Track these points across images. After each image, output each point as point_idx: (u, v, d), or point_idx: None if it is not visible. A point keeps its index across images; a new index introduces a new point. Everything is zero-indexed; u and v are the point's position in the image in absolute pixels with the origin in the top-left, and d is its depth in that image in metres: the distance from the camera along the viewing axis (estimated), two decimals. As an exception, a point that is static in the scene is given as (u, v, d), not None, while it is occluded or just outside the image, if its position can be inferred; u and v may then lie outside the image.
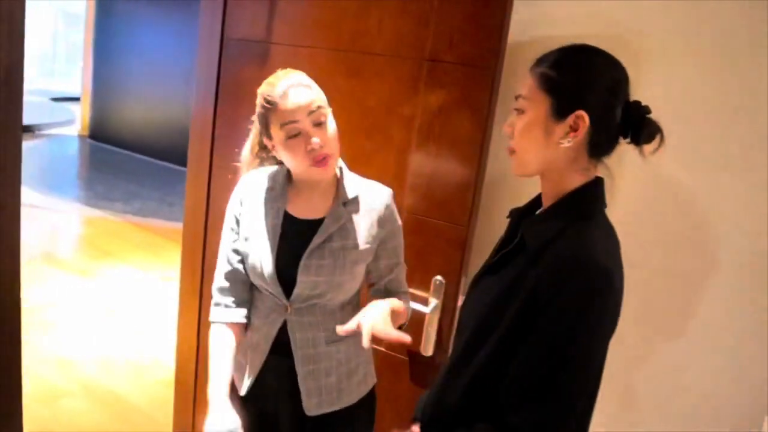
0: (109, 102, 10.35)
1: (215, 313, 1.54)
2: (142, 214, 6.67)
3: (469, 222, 1.74)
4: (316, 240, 1.45)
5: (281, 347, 1.50)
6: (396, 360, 1.89)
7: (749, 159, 1.61)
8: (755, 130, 1.60)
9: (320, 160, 1.39)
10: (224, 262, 1.55)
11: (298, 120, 1.37)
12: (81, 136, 10.87)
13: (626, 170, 1.70)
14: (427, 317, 1.79)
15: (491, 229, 1.99)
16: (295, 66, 1.92)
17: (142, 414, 3.08)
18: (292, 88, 1.38)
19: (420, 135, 1.78)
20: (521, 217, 1.28)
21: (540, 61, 1.16)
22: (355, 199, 1.51)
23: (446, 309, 1.79)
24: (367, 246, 1.50)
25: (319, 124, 1.39)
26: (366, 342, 1.25)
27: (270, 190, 1.51)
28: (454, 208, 1.76)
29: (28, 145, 9.73)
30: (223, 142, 2.14)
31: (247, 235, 1.49)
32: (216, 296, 1.55)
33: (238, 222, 1.53)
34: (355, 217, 1.50)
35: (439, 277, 1.78)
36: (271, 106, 1.39)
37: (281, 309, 1.48)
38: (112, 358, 3.59)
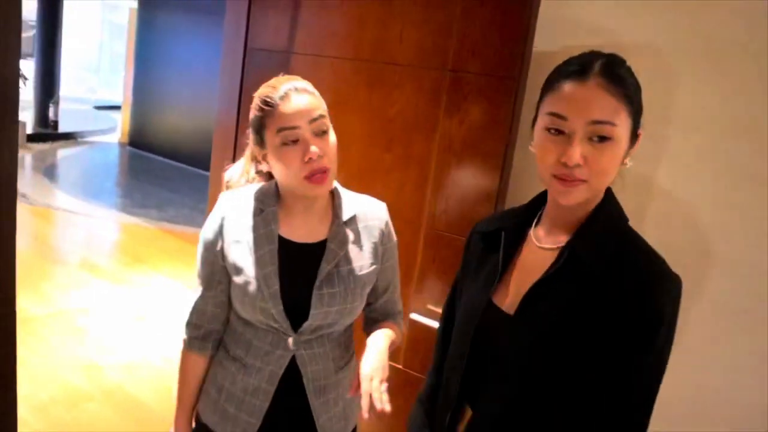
0: (148, 110, 10.57)
1: (192, 344, 1.41)
2: (176, 222, 6.76)
3: (490, 237, 1.68)
4: (325, 267, 1.32)
5: (289, 384, 1.35)
6: (414, 378, 1.84)
7: (755, 170, 1.52)
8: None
9: (318, 174, 1.25)
10: (204, 294, 1.38)
11: (298, 126, 1.24)
12: (121, 144, 11.12)
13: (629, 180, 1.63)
14: (445, 335, 1.73)
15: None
16: (317, 76, 1.91)
17: (164, 422, 3.09)
18: (294, 92, 1.26)
19: (442, 147, 1.73)
20: (518, 233, 1.15)
21: (609, 77, 0.98)
22: (354, 218, 1.39)
23: (465, 327, 1.73)
24: (373, 267, 1.40)
25: (320, 134, 1.26)
26: (366, 412, 1.17)
27: (258, 211, 1.34)
28: (476, 222, 1.70)
29: (70, 152, 10.00)
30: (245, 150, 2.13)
31: (237, 266, 1.32)
32: (191, 328, 1.41)
33: (222, 251, 1.34)
34: (357, 238, 1.38)
35: (458, 294, 1.73)
36: (269, 108, 1.25)
37: (286, 344, 1.33)
38: (138, 364, 3.61)
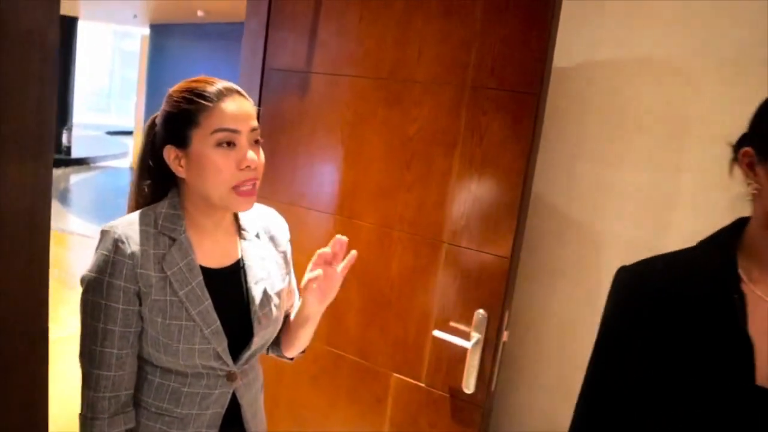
0: (160, 135, 10.70)
1: (116, 422, 1.15)
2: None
3: (512, 253, 1.67)
4: (255, 288, 1.24)
5: (227, 418, 1.26)
6: (436, 396, 1.82)
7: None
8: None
9: (249, 186, 1.15)
10: (120, 354, 1.14)
11: (239, 130, 1.12)
12: (132, 168, 11.22)
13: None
14: (468, 352, 1.72)
15: (536, 260, 1.92)
16: (335, 94, 1.93)
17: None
18: (237, 93, 1.16)
19: (462, 163, 1.73)
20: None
21: None
22: (260, 231, 1.32)
23: (488, 343, 1.71)
24: (287, 276, 1.36)
25: (255, 145, 1.16)
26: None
27: (169, 241, 1.17)
28: (497, 239, 1.69)
29: (82, 177, 10.09)
30: (264, 171, 2.14)
31: (163, 309, 1.14)
32: (110, 402, 1.14)
33: (138, 295, 1.13)
34: (267, 250, 1.32)
35: (481, 311, 1.71)
36: (205, 103, 1.12)
37: (224, 381, 1.23)
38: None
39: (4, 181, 0.84)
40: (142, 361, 1.19)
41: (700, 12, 1.61)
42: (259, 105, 2.13)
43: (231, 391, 1.24)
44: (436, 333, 1.77)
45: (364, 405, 1.96)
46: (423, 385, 1.84)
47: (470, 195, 1.73)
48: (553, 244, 1.90)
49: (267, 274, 1.28)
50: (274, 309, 1.28)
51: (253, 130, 1.16)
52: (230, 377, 1.23)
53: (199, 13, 9.03)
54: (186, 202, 1.21)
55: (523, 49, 1.61)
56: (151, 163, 1.22)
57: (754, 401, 0.86)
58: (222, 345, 1.18)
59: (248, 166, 1.13)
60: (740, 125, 1.57)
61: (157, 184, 1.23)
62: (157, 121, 1.21)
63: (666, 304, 0.94)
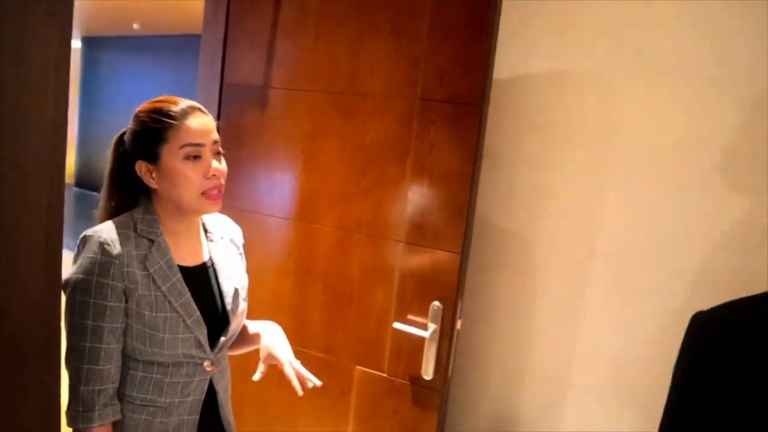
0: (95, 150, 10.45)
1: (105, 414, 1.24)
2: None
3: (462, 249, 1.84)
4: (227, 282, 1.42)
5: (205, 407, 1.39)
6: (398, 384, 1.96)
7: (698, 182, 1.75)
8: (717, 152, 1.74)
9: (216, 191, 1.31)
10: (108, 348, 1.24)
11: (203, 143, 1.28)
12: (68, 185, 10.91)
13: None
14: (426, 342, 1.87)
15: (483, 255, 2.10)
16: (294, 108, 2.06)
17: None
18: (198, 110, 1.31)
19: (414, 169, 1.89)
20: None
21: None
22: (218, 232, 1.48)
23: (444, 333, 1.87)
24: (245, 274, 1.53)
25: (218, 155, 1.32)
26: (300, 391, 1.39)
27: (148, 242, 1.29)
28: (448, 236, 1.86)
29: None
30: (227, 181, 2.24)
31: (150, 303, 1.26)
32: (101, 396, 1.24)
33: (125, 294, 1.25)
34: (230, 250, 1.49)
35: (436, 303, 1.87)
36: (171, 122, 1.26)
37: (202, 369, 1.36)
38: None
39: (23, 200, 0.95)
40: (125, 358, 1.29)
41: (623, 28, 1.83)
42: (219, 119, 2.24)
43: (208, 378, 1.38)
44: (396, 325, 1.92)
45: (330, 398, 2.08)
46: (385, 375, 1.98)
47: (423, 198, 1.89)
48: (498, 241, 2.08)
49: (234, 271, 1.46)
50: (242, 302, 1.46)
51: (215, 142, 1.32)
52: (207, 365, 1.36)
53: (135, 26, 8.93)
54: (158, 209, 1.34)
55: (467, 64, 1.79)
56: (120, 176, 1.35)
57: None
58: (203, 333, 1.33)
59: (214, 175, 1.30)
60: (661, 132, 1.80)
61: (126, 194, 1.36)
62: (126, 138, 1.35)
63: (756, 352, 0.89)
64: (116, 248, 1.24)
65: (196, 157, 1.28)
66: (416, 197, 1.90)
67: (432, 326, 1.88)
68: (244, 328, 1.55)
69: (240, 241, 1.55)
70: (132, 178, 1.32)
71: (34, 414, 1.02)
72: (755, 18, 1.66)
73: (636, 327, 1.89)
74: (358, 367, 2.02)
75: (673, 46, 1.77)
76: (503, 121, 2.00)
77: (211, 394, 1.40)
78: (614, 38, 1.85)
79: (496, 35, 1.79)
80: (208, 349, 1.35)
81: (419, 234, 1.91)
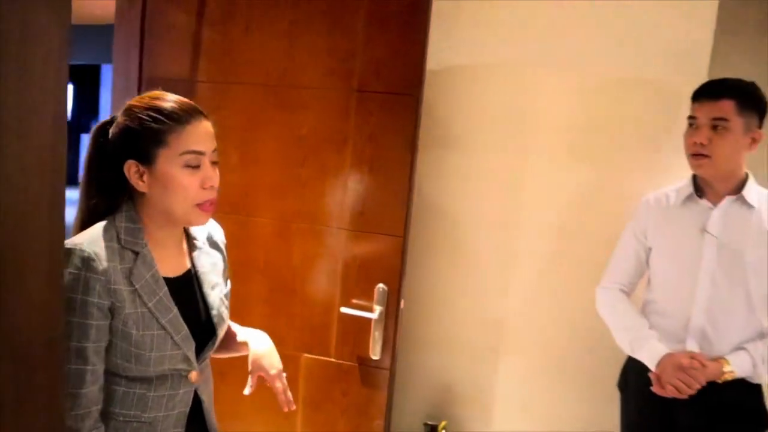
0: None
1: None
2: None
3: (404, 233, 1.95)
4: (211, 293, 1.33)
5: (190, 418, 1.31)
6: (346, 367, 2.03)
7: (609, 163, 2.00)
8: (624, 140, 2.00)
9: (210, 204, 1.22)
10: (93, 369, 1.16)
11: (204, 152, 1.20)
12: None
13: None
14: (373, 323, 1.96)
15: (418, 236, 2.22)
16: (226, 102, 2.04)
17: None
18: (201, 114, 1.22)
19: (354, 159, 1.96)
20: None
21: None
22: (201, 236, 1.38)
23: (390, 313, 1.97)
24: (228, 280, 1.45)
25: (215, 165, 1.23)
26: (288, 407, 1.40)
27: (133, 255, 1.19)
28: (390, 221, 1.95)
29: None
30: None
31: (137, 321, 1.18)
32: (88, 419, 1.15)
33: (111, 312, 1.16)
34: (213, 256, 1.39)
35: (381, 285, 1.96)
36: (173, 124, 1.16)
37: (187, 380, 1.28)
38: None
39: (27, 197, 0.92)
40: (107, 374, 1.20)
41: (537, 22, 2.03)
42: (137, 113, 2.16)
43: (193, 390, 1.30)
44: (344, 310, 1.98)
45: (271, 395, 2.10)
46: (333, 359, 2.05)
47: (363, 185, 1.97)
48: (431, 223, 2.21)
49: (218, 279, 1.37)
50: (225, 310, 1.38)
51: (214, 150, 1.23)
52: (192, 376, 1.28)
53: None
54: (143, 216, 1.23)
55: (402, 57, 1.88)
56: (100, 173, 1.23)
57: None
58: (191, 349, 1.25)
59: (211, 186, 1.21)
60: (574, 116, 2.01)
61: (107, 195, 1.24)
62: (113, 131, 1.21)
63: None
64: (102, 264, 1.13)
65: (196, 166, 1.18)
66: (357, 185, 1.97)
67: (378, 308, 1.97)
68: (231, 334, 1.48)
69: (222, 242, 1.45)
70: (115, 177, 1.21)
71: (41, 427, 0.97)
72: (650, 18, 1.93)
73: (562, 296, 2.11)
74: (305, 354, 2.07)
75: (580, 40, 2.00)
76: (432, 110, 2.13)
77: (196, 403, 1.33)
78: (529, 31, 2.04)
79: (428, 28, 1.90)
80: (194, 362, 1.27)
81: (361, 220, 1.98)
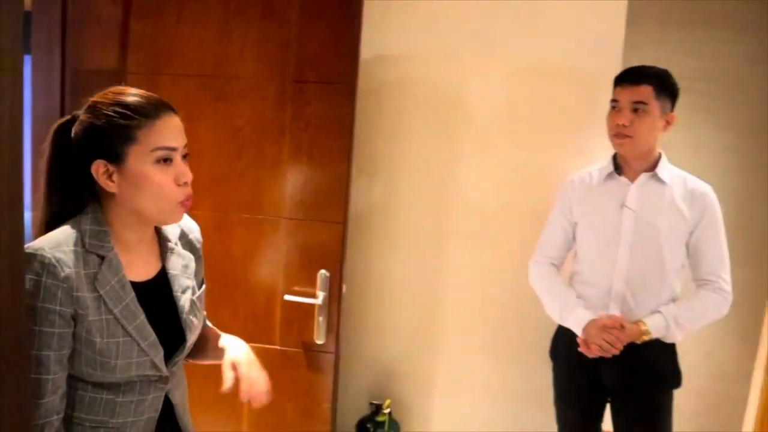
0: None
1: None
2: None
3: (344, 219, 1.99)
4: (182, 297, 1.27)
5: (161, 419, 1.27)
6: (291, 353, 2.07)
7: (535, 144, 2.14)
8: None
9: (187, 200, 1.17)
10: (55, 378, 1.11)
11: (176, 147, 1.15)
12: None
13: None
14: (317, 308, 2.00)
15: (361, 224, 2.29)
16: (159, 94, 1.99)
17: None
18: (169, 108, 1.18)
19: (291, 148, 1.99)
20: None
21: None
22: (174, 236, 1.32)
23: (333, 298, 2.02)
24: (203, 281, 1.41)
25: (185, 159, 1.19)
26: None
27: (98, 259, 1.14)
28: (330, 208, 1.99)
29: None
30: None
31: (102, 328, 1.13)
32: (48, 429, 1.11)
33: (73, 319, 1.11)
34: (186, 256, 1.32)
35: (323, 271, 2.00)
36: (143, 120, 1.12)
37: (156, 385, 1.24)
38: None
39: None
40: (73, 379, 1.16)
41: (465, 13, 2.12)
42: (62, 108, 2.09)
43: (163, 395, 1.25)
44: (287, 297, 2.01)
45: (220, 382, 2.10)
46: (278, 347, 2.07)
47: (302, 174, 2.00)
48: (366, 208, 2.27)
49: (190, 281, 1.31)
50: (198, 314, 1.33)
51: (185, 145, 1.18)
52: (162, 380, 1.23)
53: None
54: (111, 217, 1.17)
55: (337, 47, 1.92)
56: (63, 174, 1.17)
57: None
58: (159, 355, 1.20)
59: (185, 182, 1.16)
60: (502, 102, 2.12)
61: (71, 197, 1.18)
62: (76, 130, 1.15)
63: None
64: (64, 270, 1.08)
65: (167, 161, 1.13)
66: (295, 174, 2.00)
67: (321, 294, 2.01)
68: (212, 338, 1.43)
69: (198, 240, 1.39)
70: (80, 179, 1.15)
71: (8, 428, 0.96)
72: (568, 11, 2.06)
73: (495, 273, 2.23)
74: (250, 344, 2.05)
75: (506, 30, 2.11)
76: (366, 98, 2.18)
77: (168, 406, 1.28)
78: (458, 22, 2.13)
79: (361, 18, 1.94)
80: (164, 368, 1.22)
81: (301, 208, 2.01)
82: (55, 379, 1.11)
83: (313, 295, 2.01)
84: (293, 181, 2.00)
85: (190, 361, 1.43)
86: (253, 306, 2.07)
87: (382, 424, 2.27)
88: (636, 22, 2.39)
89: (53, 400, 1.11)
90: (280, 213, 2.02)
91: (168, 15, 1.97)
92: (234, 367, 1.31)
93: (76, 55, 2.04)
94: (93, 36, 2.02)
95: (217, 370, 1.39)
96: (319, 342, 2.03)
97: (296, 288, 2.04)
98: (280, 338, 2.07)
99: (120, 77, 2.01)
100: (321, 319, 2.02)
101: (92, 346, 1.12)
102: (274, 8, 1.93)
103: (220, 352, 1.38)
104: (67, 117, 1.20)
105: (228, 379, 1.29)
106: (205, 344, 1.42)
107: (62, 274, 1.08)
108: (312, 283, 2.02)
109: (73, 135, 1.16)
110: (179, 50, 1.99)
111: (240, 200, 2.03)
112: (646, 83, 1.80)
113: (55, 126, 1.19)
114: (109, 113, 1.12)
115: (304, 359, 2.08)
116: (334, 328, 2.04)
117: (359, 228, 2.28)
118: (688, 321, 1.83)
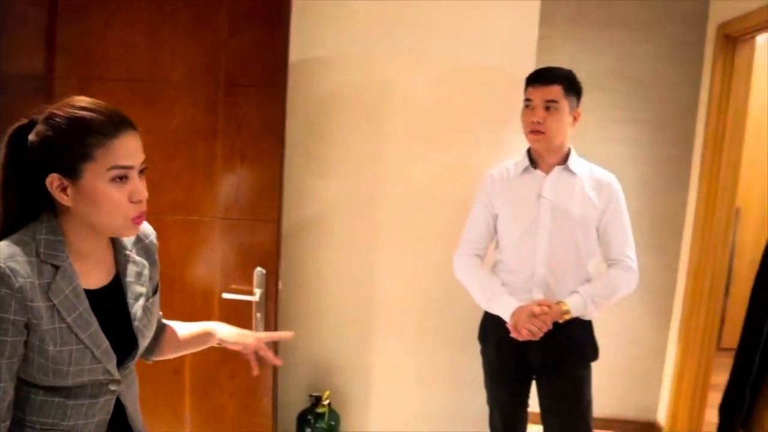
0: None
1: None
2: None
3: (278, 217, 2.06)
4: (134, 304, 1.29)
5: (111, 423, 1.28)
6: (229, 352, 2.10)
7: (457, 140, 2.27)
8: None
9: (140, 217, 1.19)
10: (5, 386, 1.12)
11: (133, 166, 1.16)
12: None
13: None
14: (254, 305, 2.06)
15: (296, 222, 2.35)
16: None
17: None
18: (128, 124, 1.17)
19: (225, 150, 2.03)
20: None
21: None
22: (129, 241, 1.32)
23: (270, 294, 2.07)
24: (158, 284, 1.41)
25: (142, 174, 1.20)
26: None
27: (52, 268, 1.15)
28: (264, 207, 2.05)
29: None
30: None
31: (55, 337, 1.14)
32: None
33: (27, 329, 1.12)
34: (137, 263, 1.32)
35: (260, 269, 2.06)
36: (102, 138, 1.11)
37: (107, 388, 1.24)
38: None
39: None
40: (24, 384, 1.17)
41: (388, 16, 2.22)
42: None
43: (115, 397, 1.26)
44: (225, 295, 2.06)
45: (162, 381, 2.13)
46: (216, 345, 2.11)
47: (236, 175, 2.05)
48: (300, 206, 2.34)
49: (143, 288, 1.32)
50: (152, 319, 1.35)
51: (142, 162, 1.19)
52: (114, 383, 1.25)
53: None
54: (65, 227, 1.18)
55: (267, 51, 1.98)
56: (16, 182, 1.16)
57: None
58: (112, 362, 1.21)
59: (140, 200, 1.17)
60: (426, 102, 2.23)
61: (26, 204, 1.18)
62: (32, 140, 1.14)
63: None
64: (18, 280, 1.09)
65: (123, 179, 1.14)
66: (229, 175, 2.05)
67: (258, 290, 2.06)
68: (186, 331, 1.49)
69: (154, 244, 1.40)
70: (35, 187, 1.14)
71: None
72: (485, 13, 2.20)
73: (424, 266, 2.34)
74: (189, 342, 2.11)
75: (427, 33, 2.23)
76: (297, 100, 2.25)
77: (120, 408, 1.29)
78: (381, 25, 2.24)
79: (289, 23, 2.01)
80: (116, 373, 1.23)
81: (236, 208, 2.06)
82: (5, 387, 1.12)
83: (251, 293, 2.06)
84: (227, 182, 2.05)
85: (167, 357, 1.50)
86: (191, 306, 2.10)
87: (322, 415, 2.34)
88: (549, 23, 2.56)
89: (1, 407, 1.11)
90: (215, 213, 2.06)
91: (96, 19, 1.99)
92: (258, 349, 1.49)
93: (4, 58, 2.02)
94: (17, 39, 2.01)
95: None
96: (258, 338, 2.07)
97: (234, 286, 2.08)
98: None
99: (47, 82, 2.01)
100: (259, 315, 2.07)
101: (45, 354, 1.13)
102: (203, 13, 1.98)
103: (203, 338, 1.51)
104: (24, 121, 1.17)
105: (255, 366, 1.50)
106: (176, 339, 1.48)
107: (16, 285, 1.09)
108: (249, 280, 2.07)
109: (29, 143, 1.15)
110: (108, 54, 2.00)
111: (175, 202, 2.06)
112: (556, 83, 1.95)
113: (10, 130, 1.17)
114: (66, 129, 1.11)
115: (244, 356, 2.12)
116: (271, 324, 2.09)
117: (294, 226, 2.35)
118: (603, 298, 2.00)
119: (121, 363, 1.25)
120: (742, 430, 1.49)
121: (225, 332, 1.49)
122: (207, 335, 1.49)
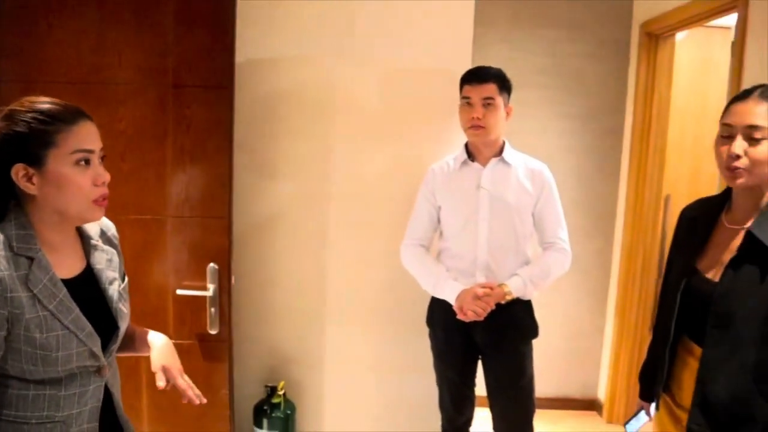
0: None
1: None
2: None
3: (228, 214, 2.12)
4: (109, 288, 1.36)
5: (103, 413, 1.34)
6: (186, 346, 2.15)
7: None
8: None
9: (104, 199, 1.27)
10: None
11: (93, 150, 1.24)
12: None
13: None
14: (208, 300, 2.11)
15: (247, 218, 2.42)
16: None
17: None
18: (84, 114, 1.27)
19: (174, 150, 2.08)
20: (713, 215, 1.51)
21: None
22: (94, 233, 1.39)
23: (223, 290, 2.13)
24: (125, 273, 1.47)
25: (102, 161, 1.28)
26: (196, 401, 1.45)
27: (24, 261, 1.20)
28: (214, 205, 2.11)
29: None
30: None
31: (40, 325, 1.19)
32: None
33: (8, 322, 1.17)
34: (106, 251, 1.40)
35: (212, 265, 2.11)
36: (61, 125, 1.19)
37: (96, 375, 1.31)
38: None
39: None
40: (13, 380, 1.21)
41: (332, 18, 2.31)
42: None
43: (103, 384, 1.33)
44: (179, 292, 2.10)
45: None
46: (172, 340, 2.14)
47: (186, 174, 2.10)
48: (249, 203, 2.41)
49: (115, 273, 1.40)
50: (126, 302, 1.42)
51: (102, 149, 1.28)
52: (100, 371, 1.31)
53: None
54: (34, 220, 1.23)
55: (213, 52, 2.04)
56: None
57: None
58: (97, 344, 1.28)
59: (103, 183, 1.26)
60: (371, 101, 2.33)
61: None
62: None
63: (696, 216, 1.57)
64: None
65: (86, 162, 1.23)
66: (180, 175, 2.09)
67: (211, 286, 2.12)
68: (135, 334, 1.51)
69: (115, 237, 1.47)
70: (0, 183, 1.20)
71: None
72: (422, 16, 2.32)
73: (372, 257, 2.44)
74: (144, 339, 2.15)
75: (370, 35, 2.33)
76: (245, 100, 2.32)
77: (107, 396, 1.35)
78: (326, 27, 2.32)
79: (234, 25, 2.07)
80: (102, 357, 1.30)
81: (187, 207, 2.11)
82: None
83: (204, 288, 2.12)
84: (178, 181, 2.09)
85: (119, 354, 1.49)
86: (145, 304, 2.13)
87: (278, 405, 2.41)
88: (486, 22, 2.69)
89: None
90: (166, 212, 2.11)
91: (39, 21, 2.00)
92: (165, 372, 1.41)
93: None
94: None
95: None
96: (213, 332, 2.13)
97: (187, 282, 2.13)
98: (174, 331, 2.15)
99: (-9, 86, 2.02)
100: (213, 310, 2.12)
101: (32, 342, 1.18)
102: (147, 15, 2.02)
103: (144, 346, 1.48)
104: None
105: (160, 379, 1.39)
106: (132, 339, 1.50)
107: None
108: (202, 276, 2.12)
109: None
110: (53, 57, 2.02)
111: (126, 202, 2.09)
112: (491, 81, 2.09)
113: None
114: (28, 120, 1.19)
115: (199, 350, 2.17)
116: (226, 318, 2.15)
117: (245, 224, 2.41)
118: (540, 278, 2.14)
119: (104, 347, 1.31)
120: (663, 393, 1.64)
121: (153, 354, 1.45)
122: (146, 346, 1.49)
